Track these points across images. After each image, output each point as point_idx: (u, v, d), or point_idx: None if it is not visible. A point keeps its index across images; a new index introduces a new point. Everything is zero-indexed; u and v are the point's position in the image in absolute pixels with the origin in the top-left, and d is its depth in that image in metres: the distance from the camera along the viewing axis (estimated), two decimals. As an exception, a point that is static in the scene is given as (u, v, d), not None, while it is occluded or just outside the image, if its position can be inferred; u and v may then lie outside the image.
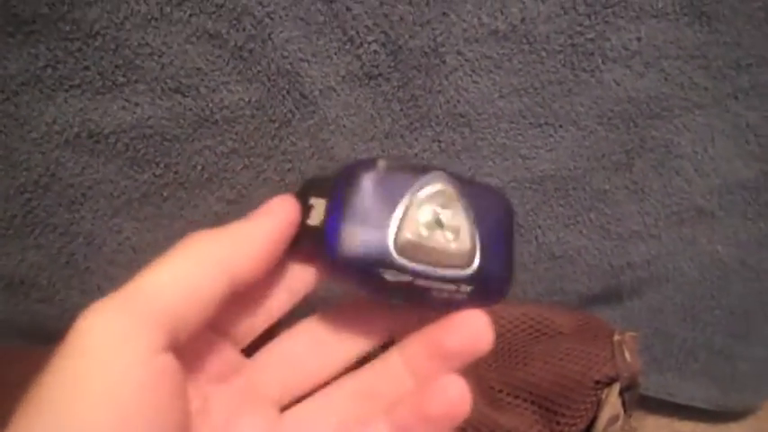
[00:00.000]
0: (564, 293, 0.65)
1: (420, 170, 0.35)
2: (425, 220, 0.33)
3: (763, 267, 0.65)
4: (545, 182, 0.60)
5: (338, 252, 0.33)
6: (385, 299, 0.35)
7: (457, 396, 0.34)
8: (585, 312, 0.61)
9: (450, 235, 0.33)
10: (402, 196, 0.34)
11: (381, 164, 0.34)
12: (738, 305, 0.67)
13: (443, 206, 0.34)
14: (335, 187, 0.35)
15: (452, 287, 0.34)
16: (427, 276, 0.33)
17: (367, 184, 0.34)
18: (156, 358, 0.29)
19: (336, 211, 0.34)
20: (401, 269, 0.33)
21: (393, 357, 0.37)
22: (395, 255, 0.33)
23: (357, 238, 0.33)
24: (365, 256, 0.33)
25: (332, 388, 0.37)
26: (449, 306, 0.35)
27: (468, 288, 0.34)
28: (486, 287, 0.34)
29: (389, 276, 0.33)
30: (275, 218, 0.34)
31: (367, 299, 0.37)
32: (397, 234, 0.33)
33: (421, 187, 0.34)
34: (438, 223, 0.34)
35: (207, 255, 0.31)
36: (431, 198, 0.34)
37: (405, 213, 0.33)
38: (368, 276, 0.33)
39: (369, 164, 0.35)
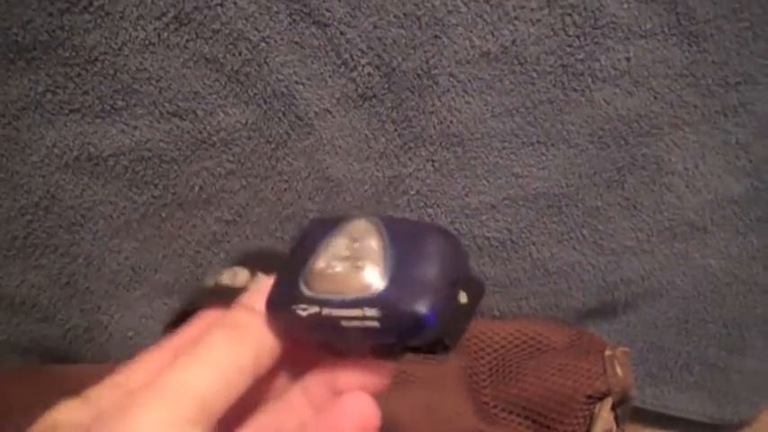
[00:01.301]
0: (559, 309, 0.66)
1: (351, 216, 0.36)
2: (335, 254, 0.34)
3: (755, 281, 0.66)
4: (538, 199, 0.60)
5: (268, 302, 0.35)
6: (309, 339, 0.35)
7: (367, 410, 0.34)
8: (578, 328, 0.61)
9: (358, 263, 0.33)
10: (324, 239, 0.35)
11: (319, 218, 0.36)
12: (732, 319, 0.67)
13: (357, 240, 0.34)
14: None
15: (358, 312, 0.33)
16: (331, 303, 0.33)
17: (303, 239, 0.36)
18: None
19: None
20: (309, 300, 0.33)
21: (296, 395, 0.37)
22: (303, 288, 0.34)
23: (277, 286, 0.35)
24: (280, 297, 0.34)
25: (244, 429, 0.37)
26: (364, 340, 0.34)
27: (374, 312, 0.32)
28: (396, 314, 0.32)
29: (302, 311, 0.33)
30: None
31: (300, 344, 0.37)
32: (307, 270, 0.34)
33: (341, 229, 0.35)
34: (348, 256, 0.34)
35: (242, 360, 0.32)
36: (345, 234, 0.35)
37: (318, 252, 0.34)
38: (287, 316, 0.34)
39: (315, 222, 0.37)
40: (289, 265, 0.35)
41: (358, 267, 0.33)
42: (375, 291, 0.32)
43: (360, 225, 0.35)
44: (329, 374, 0.36)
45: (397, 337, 0.33)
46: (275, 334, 0.34)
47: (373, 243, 0.34)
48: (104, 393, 0.33)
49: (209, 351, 0.32)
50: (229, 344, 0.32)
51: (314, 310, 0.33)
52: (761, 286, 0.66)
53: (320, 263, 0.34)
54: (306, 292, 0.33)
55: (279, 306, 0.34)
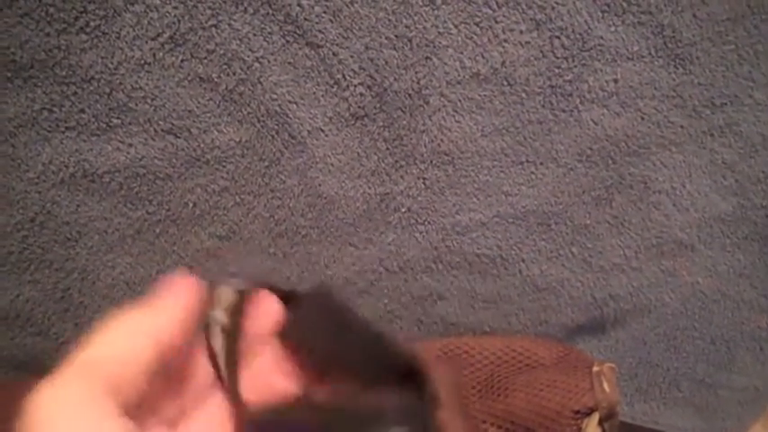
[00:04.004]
0: (548, 325, 0.67)
1: None
2: None
3: (743, 298, 0.67)
4: (528, 217, 0.61)
5: None
6: None
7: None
8: (566, 344, 0.62)
9: None
10: None
11: None
12: (719, 335, 0.68)
13: None
14: None
15: None
16: None
17: None
18: (114, 422, 0.30)
19: None
20: None
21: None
22: None
23: None
24: None
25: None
26: None
27: None
28: None
29: None
30: (181, 298, 0.36)
31: None
32: None
33: None
34: None
35: (136, 326, 0.34)
36: None
37: None
38: None
39: None
40: None
41: None
42: None
43: None
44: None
45: None
46: (181, 305, 0.36)
47: None
48: None
49: (110, 325, 0.33)
50: (128, 316, 0.34)
51: None
52: (748, 303, 0.67)
53: None
54: None
55: None
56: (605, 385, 0.55)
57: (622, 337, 0.68)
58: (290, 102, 0.54)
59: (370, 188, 0.59)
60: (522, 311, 0.66)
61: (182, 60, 0.52)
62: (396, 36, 0.52)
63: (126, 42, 0.50)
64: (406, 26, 0.52)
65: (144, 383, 0.32)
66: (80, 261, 0.58)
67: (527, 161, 0.59)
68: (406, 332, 0.66)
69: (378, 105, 0.55)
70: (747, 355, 0.69)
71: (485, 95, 0.55)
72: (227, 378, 0.37)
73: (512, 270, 0.64)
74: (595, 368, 0.56)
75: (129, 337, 0.33)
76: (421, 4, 0.51)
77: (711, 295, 0.66)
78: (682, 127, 0.58)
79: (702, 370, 0.69)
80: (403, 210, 0.60)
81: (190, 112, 0.53)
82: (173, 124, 0.54)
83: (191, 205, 0.57)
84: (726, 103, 0.57)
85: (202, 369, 0.38)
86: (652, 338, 0.68)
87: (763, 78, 0.57)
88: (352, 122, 0.56)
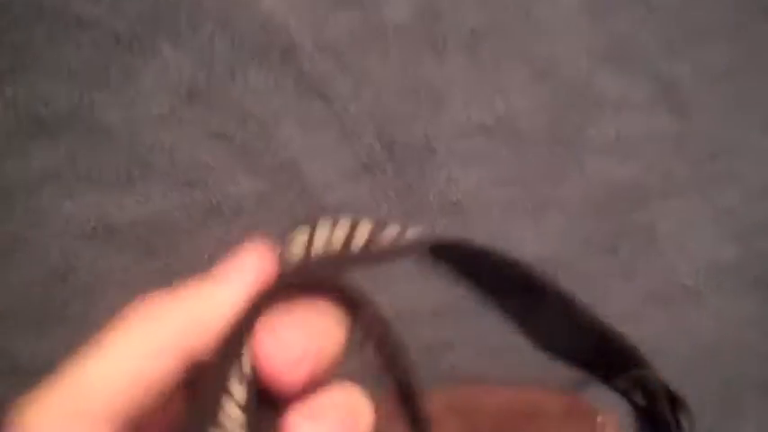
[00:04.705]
0: (556, 374, 0.67)
1: None
2: None
3: (750, 344, 0.67)
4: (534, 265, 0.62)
5: None
6: None
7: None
8: (572, 394, 0.62)
9: None
10: None
11: None
12: (728, 383, 0.68)
13: None
14: None
15: None
16: None
17: None
18: None
19: None
20: None
21: None
22: None
23: None
24: None
25: None
26: None
27: None
28: None
29: None
30: (246, 276, 0.25)
31: None
32: None
33: None
34: None
35: (157, 331, 0.24)
36: None
37: None
38: None
39: None
40: None
41: None
42: None
43: None
44: None
45: None
46: (231, 308, 0.24)
47: None
48: None
49: (120, 327, 0.24)
50: (149, 317, 0.24)
51: None
52: (755, 350, 0.67)
53: None
54: None
55: None
56: (610, 434, 0.55)
57: (630, 385, 0.68)
58: (302, 154, 0.55)
59: (380, 238, 0.59)
60: (529, 360, 0.66)
61: (199, 116, 0.53)
62: (404, 90, 0.54)
63: (145, 98, 0.52)
64: (414, 80, 0.54)
65: (164, 393, 0.23)
66: (99, 314, 0.58)
67: (533, 210, 0.60)
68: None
69: (387, 157, 0.56)
70: (755, 404, 0.69)
71: (491, 146, 0.57)
72: None
73: (519, 318, 0.64)
74: (600, 419, 0.56)
75: (147, 346, 0.23)
76: (428, 58, 0.53)
77: (718, 342, 0.67)
78: (684, 175, 0.59)
79: (710, 420, 0.69)
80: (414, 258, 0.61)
81: (206, 165, 0.55)
82: (190, 177, 0.55)
83: (206, 256, 0.58)
84: (726, 151, 0.59)
85: None
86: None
87: (761, 126, 0.58)
88: (363, 174, 0.57)
